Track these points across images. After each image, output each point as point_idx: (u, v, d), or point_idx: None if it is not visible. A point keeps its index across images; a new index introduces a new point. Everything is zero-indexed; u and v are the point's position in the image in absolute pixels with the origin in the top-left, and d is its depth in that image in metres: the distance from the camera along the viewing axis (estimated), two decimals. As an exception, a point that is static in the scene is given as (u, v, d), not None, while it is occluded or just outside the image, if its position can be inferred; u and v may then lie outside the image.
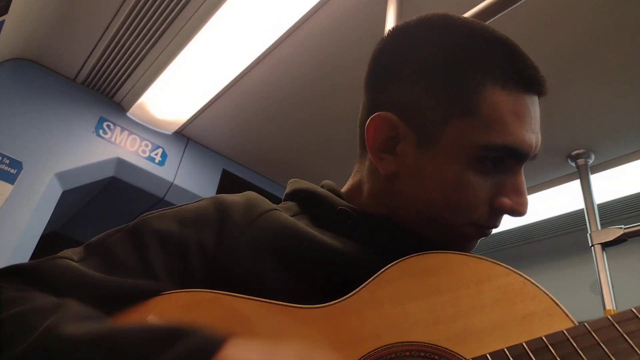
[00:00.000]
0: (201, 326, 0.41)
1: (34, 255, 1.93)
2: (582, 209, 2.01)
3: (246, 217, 0.58)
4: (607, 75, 1.74)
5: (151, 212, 0.59)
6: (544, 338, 0.42)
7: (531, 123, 0.56)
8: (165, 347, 0.37)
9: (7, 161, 1.90)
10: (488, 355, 0.42)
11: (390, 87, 0.61)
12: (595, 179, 2.11)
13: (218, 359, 0.37)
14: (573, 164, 2.13)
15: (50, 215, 2.05)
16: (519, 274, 0.49)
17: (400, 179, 0.59)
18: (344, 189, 0.69)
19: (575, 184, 2.16)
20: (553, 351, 0.41)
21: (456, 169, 0.55)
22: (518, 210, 0.56)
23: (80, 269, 0.50)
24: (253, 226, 0.57)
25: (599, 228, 1.88)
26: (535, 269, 2.73)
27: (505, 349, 0.42)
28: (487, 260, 0.51)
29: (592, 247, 1.85)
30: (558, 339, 0.42)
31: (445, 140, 0.56)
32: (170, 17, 1.79)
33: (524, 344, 0.42)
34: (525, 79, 0.56)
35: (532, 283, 0.48)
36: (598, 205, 2.01)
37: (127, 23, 1.86)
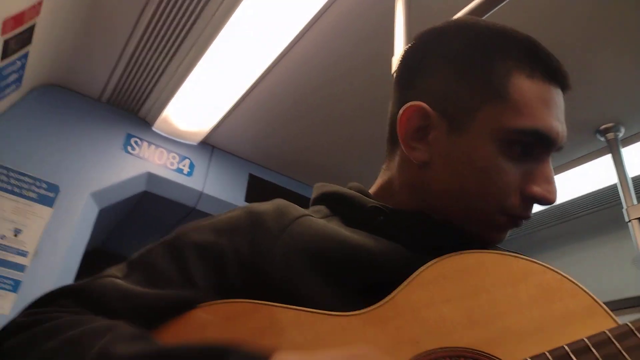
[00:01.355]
0: (246, 343, 0.42)
1: (79, 273, 2.01)
2: (616, 184, 1.96)
3: (278, 224, 0.59)
4: (631, 45, 1.69)
5: (187, 224, 0.61)
6: (585, 339, 0.41)
7: (557, 112, 0.58)
8: None
9: (45, 185, 1.98)
10: (529, 359, 0.41)
11: (421, 81, 0.63)
12: (627, 152, 2.06)
13: None
14: (602, 139, 2.07)
15: (90, 233, 2.13)
16: (556, 271, 0.48)
17: (433, 168, 0.60)
18: (372, 190, 0.70)
19: (607, 159, 2.11)
20: (596, 352, 0.40)
21: (487, 153, 0.56)
22: (548, 197, 0.57)
23: (125, 286, 0.52)
24: (286, 233, 0.58)
25: (635, 202, 1.83)
26: (573, 248, 2.68)
27: (547, 352, 0.41)
28: (523, 258, 0.50)
29: (630, 223, 1.82)
30: (600, 339, 0.40)
31: (477, 126, 0.57)
32: (185, 29, 1.82)
33: (565, 346, 0.41)
34: (550, 70, 0.58)
35: (570, 280, 0.47)
36: (632, 178, 1.96)
37: (143, 40, 1.90)
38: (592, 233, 2.58)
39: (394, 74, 0.69)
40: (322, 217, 0.64)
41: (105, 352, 0.41)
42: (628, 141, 2.08)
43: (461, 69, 0.60)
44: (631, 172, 1.99)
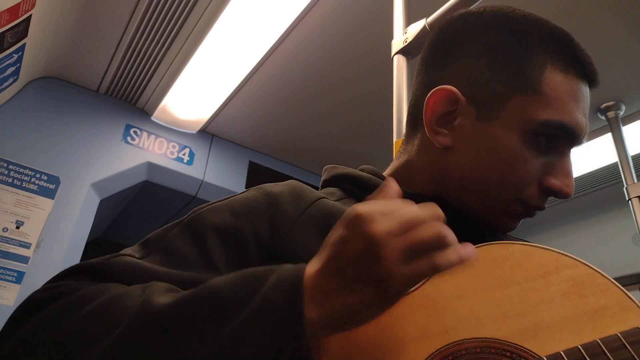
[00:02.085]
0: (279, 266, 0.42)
1: (81, 264, 2.02)
2: (616, 163, 1.96)
3: (296, 207, 0.58)
4: (632, 22, 1.68)
5: (202, 206, 0.59)
6: (619, 335, 0.40)
7: (585, 108, 0.59)
8: (258, 284, 0.38)
9: (45, 177, 1.98)
10: (562, 353, 0.41)
11: (452, 64, 0.63)
12: (628, 130, 2.05)
13: (306, 280, 0.39)
14: (603, 117, 2.06)
15: (91, 223, 2.14)
16: (587, 265, 0.47)
17: (455, 153, 0.60)
18: (387, 172, 0.69)
19: (607, 138, 2.10)
20: (630, 349, 0.39)
21: (513, 143, 0.57)
22: (565, 191, 0.57)
23: (146, 265, 0.50)
24: (303, 216, 0.57)
25: (635, 181, 1.83)
26: (574, 227, 2.69)
27: (580, 346, 0.41)
28: (553, 250, 0.50)
29: (630, 201, 1.82)
30: (635, 335, 0.40)
31: (505, 115, 0.58)
32: (182, 17, 1.81)
33: (598, 341, 0.41)
34: (583, 66, 0.59)
35: (602, 275, 0.46)
36: (632, 157, 1.96)
37: (140, 30, 1.89)
38: (593, 211, 2.59)
39: (422, 53, 0.69)
40: (336, 200, 0.63)
41: (149, 305, 0.40)
42: (629, 119, 2.07)
43: (496, 57, 0.60)
44: (632, 150, 1.99)
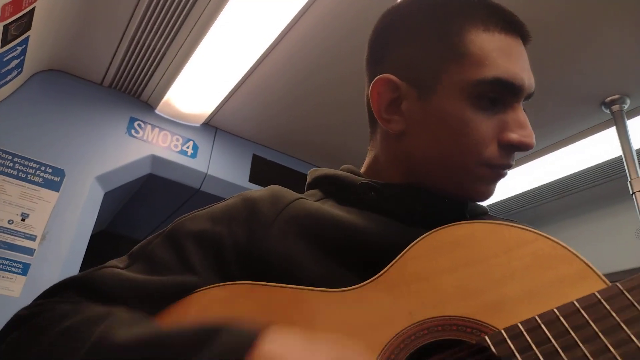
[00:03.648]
0: (239, 320, 0.42)
1: (86, 256, 2.04)
2: (620, 156, 1.96)
3: (273, 209, 0.61)
4: (637, 15, 1.67)
5: (184, 215, 0.63)
6: (575, 302, 0.41)
7: (519, 60, 0.60)
8: (204, 345, 0.39)
9: (50, 170, 1.99)
10: (519, 324, 0.42)
11: (387, 55, 0.66)
12: (632, 124, 2.04)
13: (255, 351, 0.38)
14: (607, 111, 2.05)
15: (96, 216, 2.15)
16: (548, 238, 0.48)
17: (411, 136, 0.62)
18: (362, 170, 0.71)
19: (611, 131, 2.10)
20: (585, 315, 0.40)
21: (457, 111, 0.58)
22: (525, 142, 0.58)
23: (126, 274, 0.54)
24: (280, 217, 0.60)
25: (639, 175, 1.83)
26: (577, 221, 2.69)
27: (536, 317, 0.41)
28: (515, 226, 0.50)
29: (634, 195, 1.82)
30: (590, 301, 0.40)
31: (443, 87, 0.59)
32: (186, 10, 1.80)
33: (555, 309, 0.41)
34: (504, 20, 0.60)
35: (563, 246, 0.47)
36: (637, 150, 1.95)
37: (144, 23, 1.89)
38: (596, 205, 2.59)
39: (365, 55, 0.73)
40: (316, 200, 0.65)
41: (104, 338, 0.43)
42: (633, 113, 2.06)
43: (422, 36, 0.62)
44: (636, 144, 1.98)
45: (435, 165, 0.61)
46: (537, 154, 2.35)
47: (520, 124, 0.58)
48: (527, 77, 0.59)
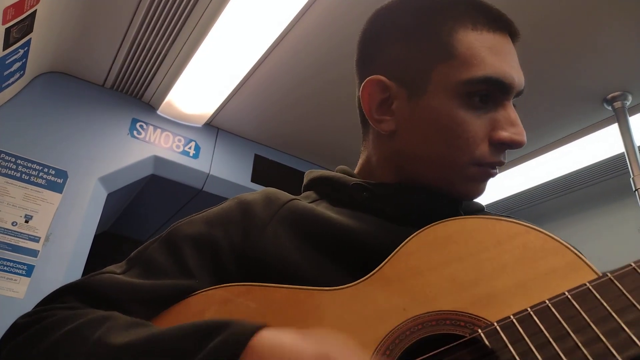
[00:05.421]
0: (235, 319, 0.43)
1: (90, 257, 2.05)
2: (623, 153, 1.95)
3: (268, 211, 0.61)
4: (638, 11, 1.66)
5: (180, 220, 0.64)
6: (566, 292, 0.41)
7: (508, 58, 0.60)
8: (202, 343, 0.40)
9: (53, 172, 2.00)
10: (512, 317, 0.42)
11: (377, 57, 0.66)
12: (634, 120, 2.03)
13: (250, 348, 0.40)
14: (609, 108, 2.04)
15: (99, 217, 2.16)
16: (539, 231, 0.48)
17: (401, 135, 0.63)
18: (355, 170, 0.72)
19: (614, 128, 2.09)
20: (576, 305, 0.40)
21: (447, 110, 0.58)
22: (517, 139, 0.58)
23: (123, 279, 0.55)
24: (275, 219, 0.60)
25: (642, 171, 1.82)
26: (579, 218, 2.68)
27: (529, 308, 0.42)
28: (505, 220, 0.51)
29: (636, 191, 1.81)
30: (581, 291, 0.41)
31: (433, 86, 0.60)
32: (187, 11, 1.81)
33: (546, 300, 0.41)
34: (492, 18, 0.61)
35: (554, 238, 0.47)
36: (639, 147, 1.94)
37: (145, 24, 1.90)
38: (599, 202, 2.58)
39: (355, 58, 0.74)
40: (310, 202, 0.66)
41: (103, 340, 0.44)
42: (635, 109, 2.05)
43: (410, 37, 0.63)
44: (638, 140, 1.97)
45: (426, 164, 0.61)
46: (540, 152, 2.35)
47: (511, 121, 0.59)
48: (516, 75, 0.59)
